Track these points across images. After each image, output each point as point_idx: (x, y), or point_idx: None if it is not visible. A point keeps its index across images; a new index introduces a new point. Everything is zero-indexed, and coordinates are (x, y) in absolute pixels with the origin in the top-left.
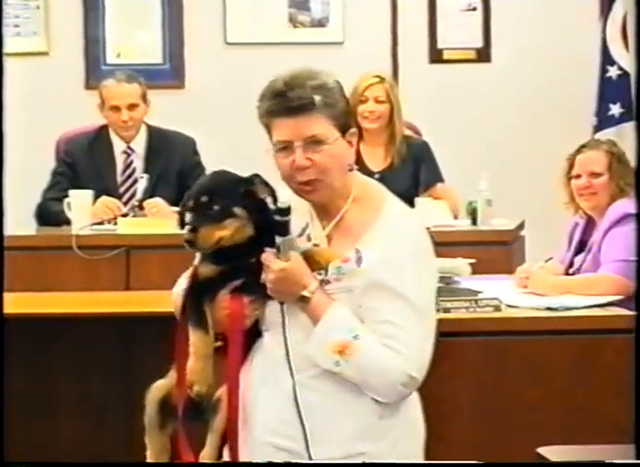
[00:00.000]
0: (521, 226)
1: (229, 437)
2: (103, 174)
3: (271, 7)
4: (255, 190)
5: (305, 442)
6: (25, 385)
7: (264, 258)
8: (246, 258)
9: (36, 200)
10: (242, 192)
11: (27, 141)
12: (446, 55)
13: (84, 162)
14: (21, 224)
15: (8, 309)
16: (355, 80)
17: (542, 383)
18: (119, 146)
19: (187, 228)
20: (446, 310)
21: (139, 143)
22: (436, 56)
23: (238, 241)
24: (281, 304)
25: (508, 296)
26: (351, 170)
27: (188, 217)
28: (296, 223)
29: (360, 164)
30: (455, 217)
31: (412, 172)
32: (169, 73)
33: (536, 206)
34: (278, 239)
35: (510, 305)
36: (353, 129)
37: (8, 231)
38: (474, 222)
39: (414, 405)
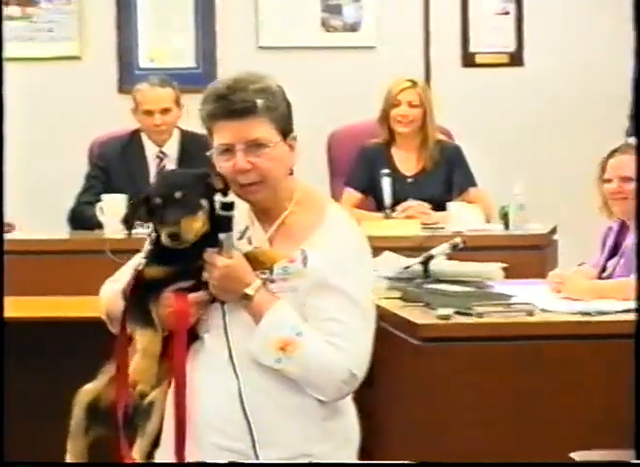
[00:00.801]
0: (554, 230)
1: (176, 437)
2: (136, 178)
3: (304, 11)
4: (212, 183)
5: (252, 442)
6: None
7: (206, 255)
8: (193, 259)
9: (69, 204)
10: (203, 185)
11: (60, 145)
12: (479, 59)
13: (117, 166)
14: (55, 228)
15: (43, 313)
16: (388, 84)
17: (576, 388)
18: (151, 150)
19: (167, 222)
20: (479, 315)
21: (172, 147)
22: (468, 60)
23: (202, 233)
24: (222, 304)
25: (541, 300)
26: (291, 174)
27: (164, 212)
28: (235, 226)
29: (392, 169)
30: (488, 221)
31: (445, 176)
32: (202, 77)
33: (569, 211)
34: (221, 235)
35: (543, 310)
36: (294, 134)
37: (42, 234)
38: (506, 226)
39: (352, 409)
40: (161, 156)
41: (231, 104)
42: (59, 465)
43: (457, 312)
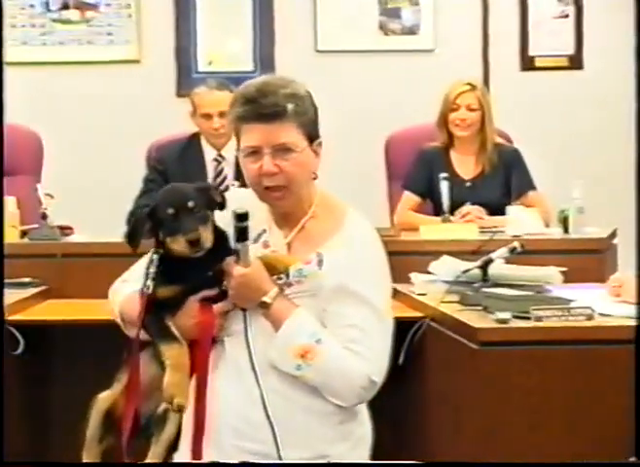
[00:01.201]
0: (614, 234)
1: (195, 443)
2: (194, 181)
3: (362, 15)
4: (213, 196)
5: (276, 444)
6: None
7: (224, 265)
8: (201, 272)
9: (128, 207)
10: (206, 198)
11: (119, 148)
12: (538, 63)
13: (175, 170)
14: (113, 231)
15: (100, 316)
16: (446, 87)
17: (635, 392)
18: (210, 153)
19: (185, 230)
20: (538, 319)
21: (230, 150)
22: (527, 64)
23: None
24: (243, 311)
25: (600, 304)
26: (315, 179)
27: (178, 221)
28: (252, 229)
29: (451, 172)
30: (547, 225)
31: (504, 180)
32: None
33: (629, 214)
34: (237, 245)
35: (602, 314)
36: (320, 140)
37: (100, 237)
38: (566, 230)
39: (365, 410)
40: (219, 159)
41: (261, 107)
42: (59, 465)
43: (516, 316)
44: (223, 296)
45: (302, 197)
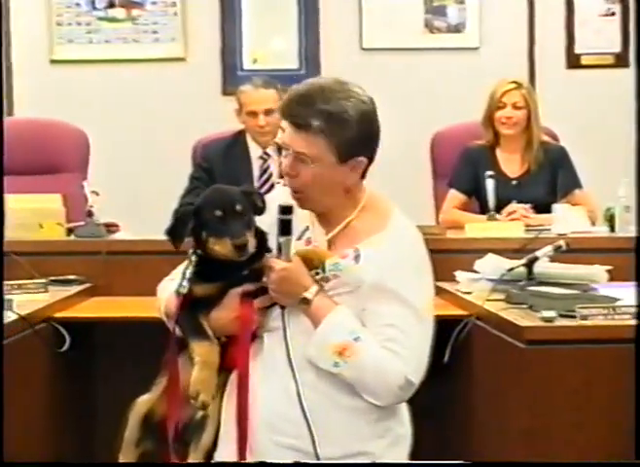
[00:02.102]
0: None
1: (240, 439)
2: (240, 179)
3: (408, 12)
4: (255, 200)
5: (312, 440)
6: None
7: (265, 260)
8: (238, 271)
9: (173, 205)
10: (250, 201)
11: (164, 146)
12: (584, 61)
13: (220, 167)
14: (159, 229)
15: (145, 313)
16: (491, 85)
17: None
18: (255, 151)
19: (234, 234)
20: (584, 318)
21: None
22: (573, 62)
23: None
24: (282, 308)
25: None
26: (347, 193)
27: (227, 224)
28: (295, 225)
29: (497, 171)
30: (593, 223)
31: (550, 178)
32: (305, 78)
33: None
34: (280, 239)
35: None
36: (361, 158)
37: (145, 235)
38: (612, 228)
39: (404, 407)
40: (265, 157)
41: (292, 114)
42: (59, 465)
43: (561, 315)
44: (262, 292)
45: (331, 203)
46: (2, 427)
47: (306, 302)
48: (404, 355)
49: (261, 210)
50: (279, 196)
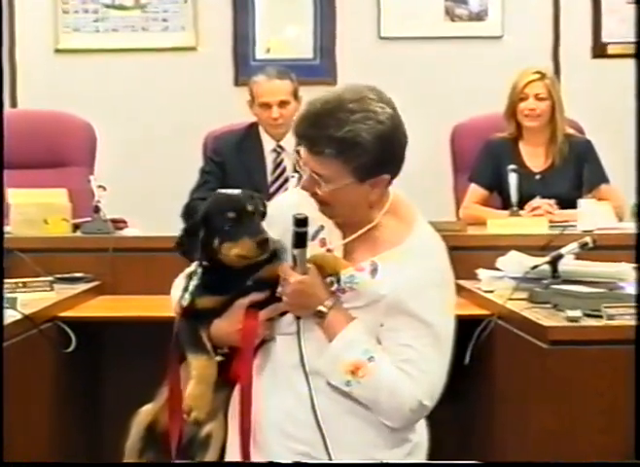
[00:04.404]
0: None
1: (243, 456)
2: (253, 173)
3: (428, 0)
4: (258, 204)
5: (325, 447)
6: None
7: (280, 270)
8: (242, 283)
9: (183, 200)
10: (255, 204)
11: (174, 139)
12: (611, 50)
13: (233, 161)
14: (168, 224)
15: (154, 312)
16: (514, 76)
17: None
18: (269, 144)
19: (252, 232)
20: (610, 317)
21: (290, 141)
22: (600, 51)
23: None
24: (297, 318)
25: None
26: (371, 207)
27: (243, 225)
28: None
29: (519, 164)
30: (620, 219)
31: (575, 173)
32: (320, 69)
33: None
34: (295, 251)
35: None
36: (384, 176)
37: (156, 231)
38: None
39: (422, 419)
40: (279, 150)
41: (304, 136)
42: (59, 465)
43: (587, 314)
44: (269, 302)
45: (352, 216)
46: (2, 427)
47: (321, 315)
48: (419, 378)
49: (264, 214)
50: (291, 198)
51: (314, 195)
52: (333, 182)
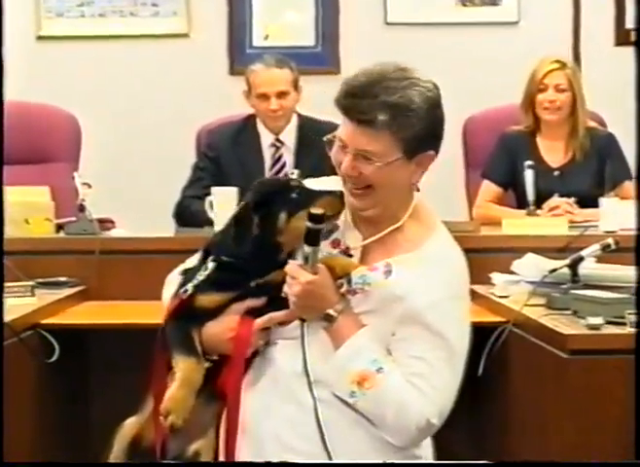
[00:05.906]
0: None
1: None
2: (250, 169)
3: None
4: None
5: (329, 458)
6: None
7: (289, 269)
8: (247, 284)
9: (175, 198)
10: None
11: (165, 132)
12: (635, 37)
13: (228, 156)
14: (159, 224)
15: (144, 319)
16: (532, 65)
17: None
18: (267, 138)
19: (320, 195)
20: (634, 325)
21: (289, 135)
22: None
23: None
24: (302, 320)
25: None
26: (417, 190)
27: (305, 194)
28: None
29: (537, 160)
30: None
31: (597, 168)
32: (322, 57)
33: None
34: (307, 249)
35: None
36: (430, 152)
37: (145, 232)
38: None
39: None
40: (278, 144)
41: (355, 110)
42: (59, 465)
43: (609, 322)
44: (267, 307)
45: (391, 204)
46: (2, 427)
47: (330, 319)
48: (429, 394)
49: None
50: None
51: (357, 178)
52: (380, 158)
